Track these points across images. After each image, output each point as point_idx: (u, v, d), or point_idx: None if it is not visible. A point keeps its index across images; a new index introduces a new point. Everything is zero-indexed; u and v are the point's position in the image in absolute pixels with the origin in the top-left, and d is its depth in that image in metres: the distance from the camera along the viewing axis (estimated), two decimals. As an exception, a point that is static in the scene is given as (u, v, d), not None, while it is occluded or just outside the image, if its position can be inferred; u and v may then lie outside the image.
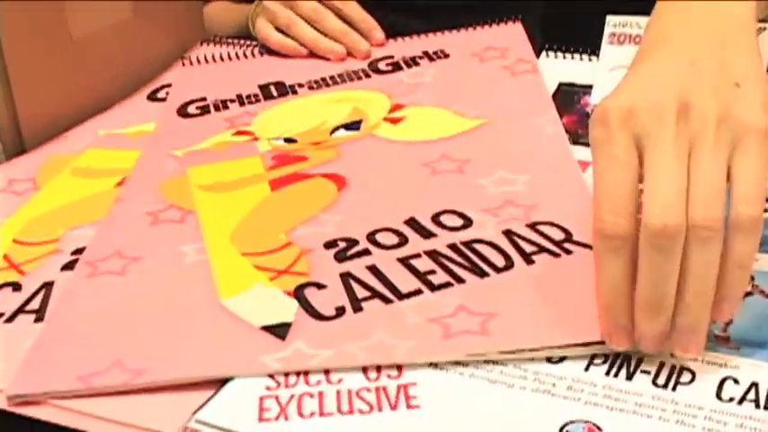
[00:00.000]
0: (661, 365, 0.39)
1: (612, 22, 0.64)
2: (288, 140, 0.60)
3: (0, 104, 0.60)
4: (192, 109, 0.65)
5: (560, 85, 0.65)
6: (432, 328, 0.41)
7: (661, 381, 0.38)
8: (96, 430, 0.37)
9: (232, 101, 0.66)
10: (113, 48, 0.67)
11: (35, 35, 0.62)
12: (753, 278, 0.44)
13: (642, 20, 0.63)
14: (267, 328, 0.42)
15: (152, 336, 0.43)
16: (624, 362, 0.39)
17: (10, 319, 0.45)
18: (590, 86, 0.64)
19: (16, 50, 0.60)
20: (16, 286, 0.47)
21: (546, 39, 0.71)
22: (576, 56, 0.68)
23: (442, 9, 0.76)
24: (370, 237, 0.48)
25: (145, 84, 0.70)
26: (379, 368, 0.40)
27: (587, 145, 0.57)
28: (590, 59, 0.67)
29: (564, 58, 0.69)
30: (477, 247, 0.47)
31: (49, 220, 0.54)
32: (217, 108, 0.65)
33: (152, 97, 0.68)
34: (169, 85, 0.69)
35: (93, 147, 0.62)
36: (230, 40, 0.75)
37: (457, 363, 0.40)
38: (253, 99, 0.66)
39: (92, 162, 0.60)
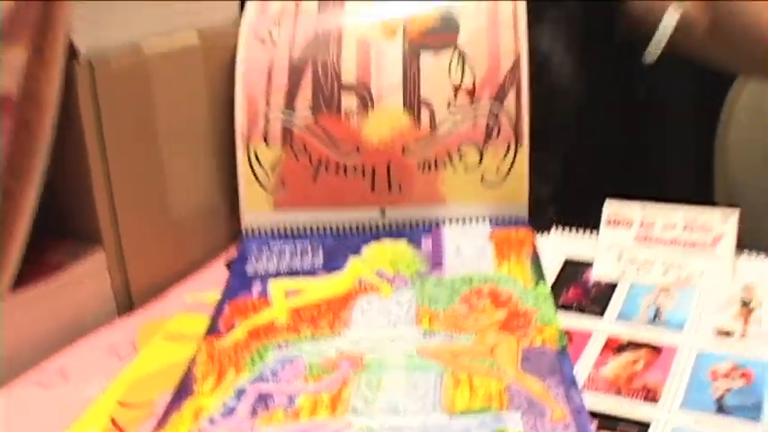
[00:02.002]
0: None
1: (610, 207, 0.69)
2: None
3: (114, 268, 0.66)
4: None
5: (566, 261, 0.69)
6: None
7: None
8: None
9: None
10: (204, 224, 0.73)
11: (142, 213, 0.69)
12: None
13: (634, 205, 0.68)
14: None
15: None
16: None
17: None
18: (592, 263, 0.68)
19: (128, 225, 0.67)
20: (121, 449, 0.51)
21: (557, 213, 0.76)
22: (581, 232, 0.72)
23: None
24: None
25: (226, 249, 0.75)
26: None
27: (592, 315, 0.62)
28: (595, 235, 0.70)
29: (570, 232, 0.72)
30: None
31: (146, 383, 0.58)
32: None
33: (230, 266, 0.73)
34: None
35: (181, 311, 0.66)
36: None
37: None
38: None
39: (180, 327, 0.64)
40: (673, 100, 1.19)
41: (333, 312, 0.64)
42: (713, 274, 0.65)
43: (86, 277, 0.64)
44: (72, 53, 0.62)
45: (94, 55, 0.64)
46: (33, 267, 0.62)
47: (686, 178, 1.14)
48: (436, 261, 0.70)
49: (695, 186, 1.10)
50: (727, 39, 0.82)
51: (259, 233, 0.76)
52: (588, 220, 0.73)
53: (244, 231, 0.75)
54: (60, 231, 0.66)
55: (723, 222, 0.66)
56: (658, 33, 0.79)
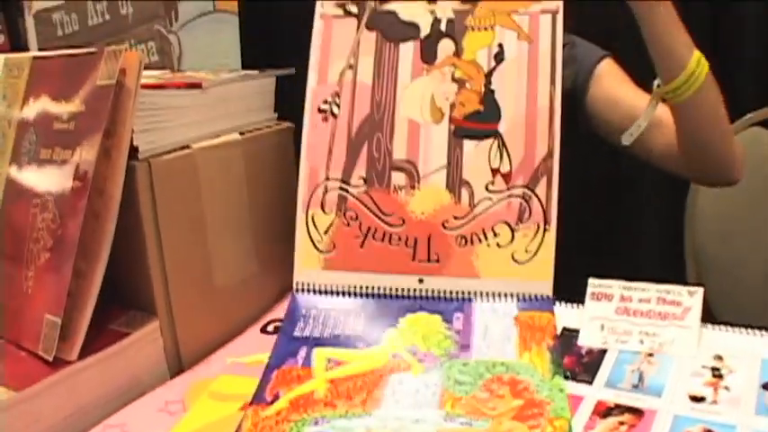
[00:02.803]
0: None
1: (593, 283, 0.72)
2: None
3: (167, 335, 0.69)
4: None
5: (564, 329, 0.71)
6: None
7: None
8: None
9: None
10: (242, 295, 0.77)
11: (190, 286, 0.72)
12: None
13: (614, 282, 0.71)
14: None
15: None
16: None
17: None
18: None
19: (178, 297, 0.70)
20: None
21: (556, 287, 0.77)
22: (575, 305, 0.73)
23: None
24: None
25: (261, 316, 0.78)
26: None
27: (584, 381, 0.63)
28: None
29: (565, 305, 0.74)
30: None
31: (194, 439, 0.61)
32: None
33: (264, 330, 0.76)
34: (278, 320, 0.77)
35: (223, 373, 0.69)
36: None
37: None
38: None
39: (223, 387, 0.67)
40: (645, 176, 1.23)
41: (367, 390, 0.64)
42: (682, 341, 0.67)
43: (143, 343, 0.68)
44: (133, 152, 0.67)
45: (151, 153, 0.68)
46: (99, 335, 0.66)
47: (658, 249, 1.16)
48: (464, 342, 0.69)
49: (668, 254, 1.13)
50: None
51: (309, 289, 0.76)
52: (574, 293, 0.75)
53: (295, 286, 0.77)
54: (121, 303, 0.70)
55: (690, 297, 0.69)
56: (640, 119, 0.82)
